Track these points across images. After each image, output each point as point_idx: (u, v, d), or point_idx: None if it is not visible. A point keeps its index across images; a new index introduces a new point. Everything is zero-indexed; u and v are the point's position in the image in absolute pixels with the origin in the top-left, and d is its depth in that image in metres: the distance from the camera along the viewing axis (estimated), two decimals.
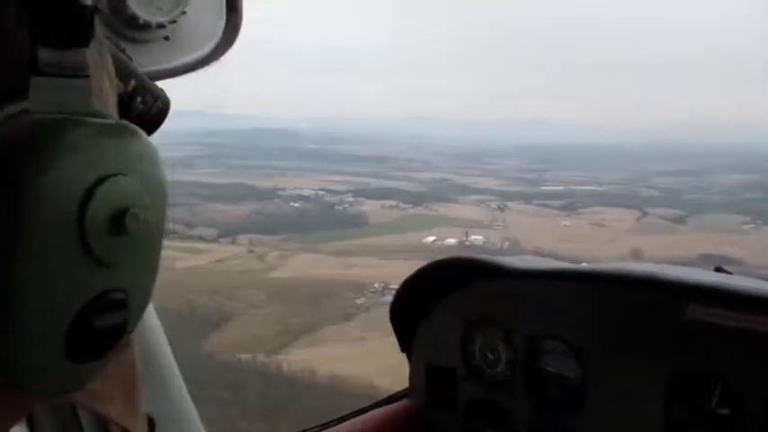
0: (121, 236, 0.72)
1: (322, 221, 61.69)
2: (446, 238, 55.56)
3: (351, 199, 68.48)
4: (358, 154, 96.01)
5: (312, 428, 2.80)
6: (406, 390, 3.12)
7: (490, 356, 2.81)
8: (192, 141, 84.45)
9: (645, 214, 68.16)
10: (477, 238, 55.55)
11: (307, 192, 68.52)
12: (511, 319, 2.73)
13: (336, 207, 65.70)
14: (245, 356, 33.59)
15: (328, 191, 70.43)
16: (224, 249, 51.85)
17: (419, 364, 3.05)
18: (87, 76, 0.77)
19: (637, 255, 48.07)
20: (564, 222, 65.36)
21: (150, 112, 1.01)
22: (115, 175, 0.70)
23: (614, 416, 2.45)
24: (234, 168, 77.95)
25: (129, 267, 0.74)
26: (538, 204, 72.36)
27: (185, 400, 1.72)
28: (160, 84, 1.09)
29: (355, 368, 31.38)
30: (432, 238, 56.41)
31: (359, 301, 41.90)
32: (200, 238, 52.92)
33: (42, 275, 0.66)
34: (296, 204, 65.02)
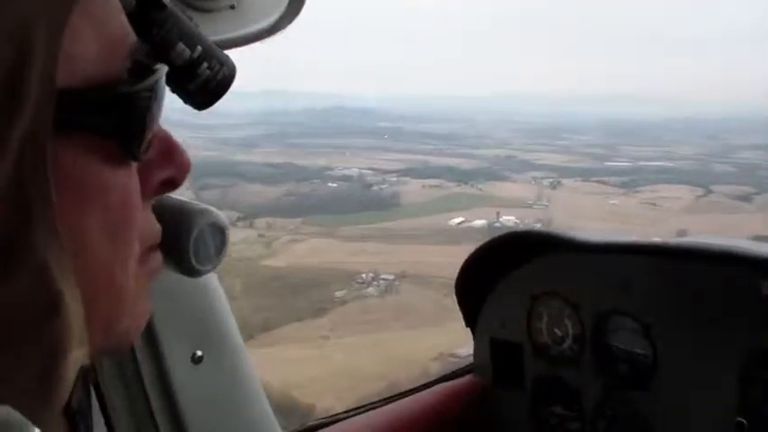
0: None
1: (353, 203, 58.33)
2: (474, 220, 51.66)
3: (394, 179, 64.92)
4: (429, 131, 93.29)
5: (376, 402, 2.66)
6: (471, 365, 2.89)
7: (557, 332, 2.66)
8: (261, 121, 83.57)
9: (709, 191, 62.76)
10: (508, 218, 51.20)
11: (353, 171, 65.70)
12: (578, 295, 2.58)
13: (374, 188, 62.34)
14: None
15: (377, 170, 67.30)
16: (235, 234, 48.69)
17: (484, 339, 2.86)
18: None
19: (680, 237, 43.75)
20: (612, 201, 60.20)
21: (216, 77, 1.02)
22: None
23: (685, 395, 2.34)
24: (295, 147, 76.47)
25: None
26: (596, 181, 67.85)
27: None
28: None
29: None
30: (458, 220, 52.27)
31: (339, 294, 38.55)
32: None
33: None
34: (333, 185, 62.08)
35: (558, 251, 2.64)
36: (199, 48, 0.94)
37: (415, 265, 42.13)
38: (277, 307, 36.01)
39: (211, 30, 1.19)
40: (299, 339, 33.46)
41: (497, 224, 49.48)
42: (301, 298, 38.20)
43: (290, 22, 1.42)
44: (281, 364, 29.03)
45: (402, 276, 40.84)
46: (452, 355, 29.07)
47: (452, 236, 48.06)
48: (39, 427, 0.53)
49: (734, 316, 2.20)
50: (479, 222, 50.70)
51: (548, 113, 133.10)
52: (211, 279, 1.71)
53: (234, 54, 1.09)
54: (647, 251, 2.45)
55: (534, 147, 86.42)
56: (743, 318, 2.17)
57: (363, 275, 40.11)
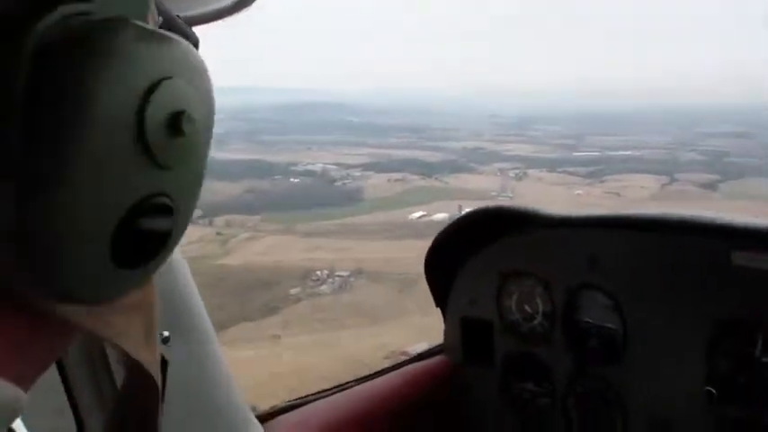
0: (177, 137, 0.69)
1: (314, 199, 57.59)
2: (435, 214, 51.07)
3: (358, 173, 64.52)
4: (400, 125, 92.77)
5: (348, 383, 2.62)
6: (442, 345, 2.92)
7: (528, 309, 2.70)
8: (230, 117, 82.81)
9: (674, 180, 62.64)
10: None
11: (317, 167, 65.04)
12: (548, 271, 2.61)
13: (336, 183, 61.75)
14: None
15: (342, 165, 66.87)
16: (194, 232, 47.45)
17: (454, 318, 2.89)
18: None
19: None
20: (577, 191, 59.80)
21: None
22: (172, 77, 0.68)
23: (656, 367, 2.39)
24: (264, 144, 75.76)
25: (180, 172, 0.71)
26: (562, 171, 67.71)
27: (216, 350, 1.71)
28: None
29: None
30: (418, 214, 51.81)
31: (293, 292, 37.95)
32: None
33: (96, 174, 0.65)
34: (296, 180, 61.47)
35: (526, 228, 2.65)
36: (159, 19, 0.87)
37: (373, 261, 41.57)
38: (228, 306, 35.25)
39: (174, 6, 1.04)
40: (250, 339, 32.65)
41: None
42: (255, 297, 37.57)
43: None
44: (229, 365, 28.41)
45: (358, 273, 40.30)
46: (403, 353, 28.65)
47: (412, 230, 47.55)
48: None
49: (703, 287, 2.24)
50: (440, 216, 50.09)
51: (519, 105, 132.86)
52: (179, 260, 1.62)
53: (205, 51, 0.98)
54: (616, 224, 2.51)
55: (504, 138, 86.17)
56: (712, 289, 2.22)
57: (318, 273, 39.57)
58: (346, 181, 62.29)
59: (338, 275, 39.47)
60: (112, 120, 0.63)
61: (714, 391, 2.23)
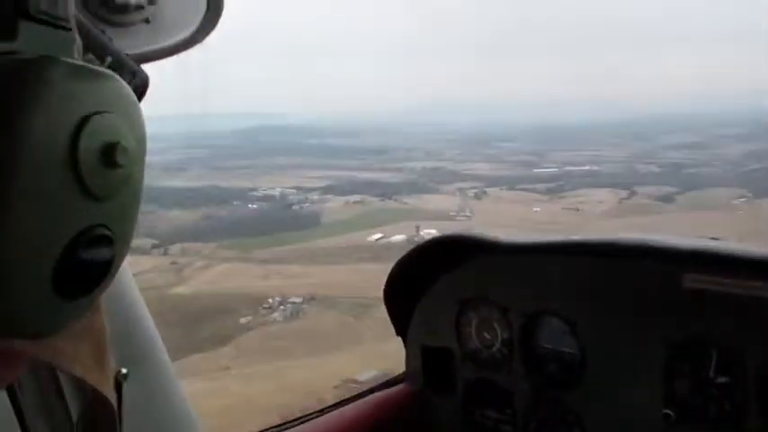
0: (111, 169, 0.72)
1: (271, 224, 56.60)
2: (393, 235, 50.39)
3: (316, 197, 63.59)
4: (358, 146, 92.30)
5: (310, 414, 2.70)
6: (404, 374, 3.00)
7: (486, 336, 2.73)
8: (186, 144, 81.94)
9: (633, 194, 62.64)
10: (429, 232, 49.89)
11: (276, 191, 64.19)
12: (505, 297, 2.65)
13: (294, 207, 60.83)
14: None
15: (301, 188, 66.03)
16: (148, 262, 45.79)
17: (415, 347, 2.93)
18: (71, 29, 0.79)
19: None
20: (535, 209, 59.50)
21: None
22: (103, 112, 0.71)
23: (614, 389, 2.40)
24: (221, 170, 74.72)
25: (117, 203, 0.75)
26: (521, 189, 67.40)
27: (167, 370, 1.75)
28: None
29: None
30: (377, 236, 51.08)
31: (243, 321, 37.09)
32: (131, 250, 48.48)
33: (32, 208, 0.66)
34: (254, 206, 60.54)
35: (483, 255, 2.68)
36: (108, 59, 0.94)
37: (326, 286, 40.83)
38: (178, 338, 34.29)
39: (127, 44, 1.17)
40: (199, 371, 31.68)
41: (417, 238, 48.37)
42: (206, 326, 36.59)
43: (205, 35, 1.42)
44: None
45: (310, 299, 39.47)
46: (353, 381, 28.00)
47: (369, 253, 46.84)
48: None
49: (656, 310, 2.28)
50: (398, 237, 49.50)
51: (477, 122, 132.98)
52: (135, 294, 1.67)
53: (154, 77, 1.16)
54: (570, 249, 2.53)
55: (463, 157, 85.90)
56: (665, 311, 2.25)
57: (270, 300, 38.74)
58: (304, 205, 61.46)
59: (291, 302, 38.63)
60: (45, 154, 0.63)
61: (672, 414, 2.25)
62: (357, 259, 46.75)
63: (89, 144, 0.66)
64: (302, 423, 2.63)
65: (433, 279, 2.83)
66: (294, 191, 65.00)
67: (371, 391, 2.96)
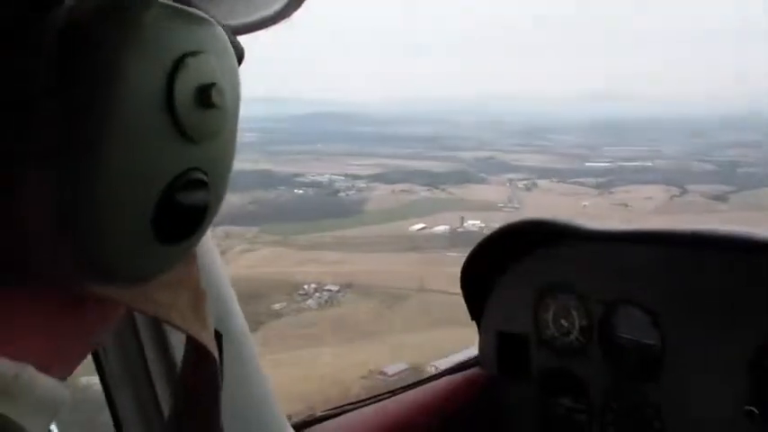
0: (208, 110, 0.69)
1: (315, 210, 57.05)
2: (435, 226, 50.15)
3: (363, 184, 63.92)
4: (411, 134, 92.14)
5: (383, 394, 2.62)
6: (477, 357, 2.88)
7: (564, 324, 2.66)
8: (248, 128, 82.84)
9: (684, 191, 61.40)
10: (474, 223, 49.62)
11: (324, 177, 64.47)
12: (585, 285, 2.57)
13: (340, 194, 61.22)
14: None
15: (349, 175, 66.46)
16: None
17: (490, 332, 2.86)
18: None
19: None
20: (584, 203, 58.67)
21: None
22: (199, 53, 0.69)
23: (694, 386, 2.31)
24: (273, 154, 75.40)
25: (211, 146, 0.72)
26: (572, 182, 66.61)
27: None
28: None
29: None
30: (419, 226, 50.83)
31: (276, 307, 36.81)
32: None
33: (131, 151, 0.65)
34: (299, 191, 60.90)
35: (563, 242, 2.61)
36: None
37: (365, 275, 40.62)
38: None
39: (219, 16, 0.99)
40: None
41: (461, 229, 48.05)
42: None
43: (295, 9, 1.29)
44: None
45: (347, 287, 39.31)
46: (381, 373, 27.81)
47: (411, 243, 46.69)
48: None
49: (744, 303, 2.17)
50: (441, 228, 49.26)
51: (533, 113, 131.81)
52: (214, 261, 1.65)
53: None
54: (656, 239, 2.44)
55: (516, 148, 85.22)
56: (753, 305, 2.14)
57: (306, 287, 38.66)
58: (350, 192, 61.69)
59: (326, 290, 38.53)
60: (142, 94, 0.63)
61: (755, 410, 2.13)
62: (396, 249, 46.61)
63: (185, 84, 0.65)
64: (375, 402, 2.55)
65: (510, 265, 2.76)
66: (342, 178, 65.21)
67: (445, 373, 2.87)
